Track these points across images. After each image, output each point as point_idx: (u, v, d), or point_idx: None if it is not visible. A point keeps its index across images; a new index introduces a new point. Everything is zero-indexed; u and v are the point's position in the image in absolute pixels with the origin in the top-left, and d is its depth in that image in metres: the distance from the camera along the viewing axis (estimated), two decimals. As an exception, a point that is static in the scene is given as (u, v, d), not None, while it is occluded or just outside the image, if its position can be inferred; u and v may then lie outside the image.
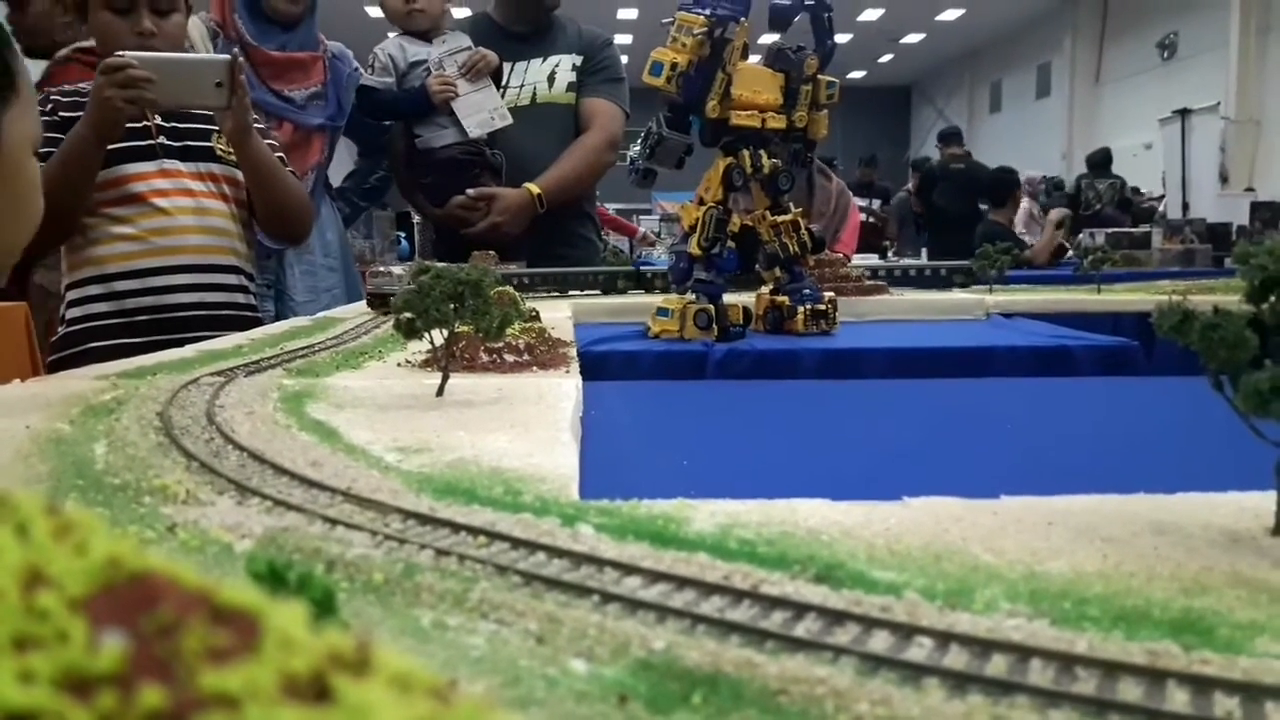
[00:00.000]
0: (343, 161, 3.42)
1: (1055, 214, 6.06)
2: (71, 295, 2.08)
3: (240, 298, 2.15)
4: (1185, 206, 9.05)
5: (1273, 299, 0.58)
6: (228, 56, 1.94)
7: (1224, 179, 10.07)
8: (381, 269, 2.17)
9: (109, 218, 2.01)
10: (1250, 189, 9.44)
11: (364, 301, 2.18)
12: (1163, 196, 9.75)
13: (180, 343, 1.62)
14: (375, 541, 0.56)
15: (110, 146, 2.00)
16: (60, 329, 2.09)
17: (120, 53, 1.86)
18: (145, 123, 2.05)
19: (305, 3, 2.62)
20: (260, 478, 0.70)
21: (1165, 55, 14.15)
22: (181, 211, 2.04)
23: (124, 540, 0.22)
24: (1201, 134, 9.84)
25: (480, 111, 2.84)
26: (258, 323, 2.16)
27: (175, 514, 0.63)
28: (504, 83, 2.97)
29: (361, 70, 2.90)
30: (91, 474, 0.72)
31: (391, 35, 2.97)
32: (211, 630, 0.19)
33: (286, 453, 0.76)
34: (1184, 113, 9.97)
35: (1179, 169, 9.72)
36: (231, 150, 2.07)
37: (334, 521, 0.60)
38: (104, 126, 1.86)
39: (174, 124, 2.08)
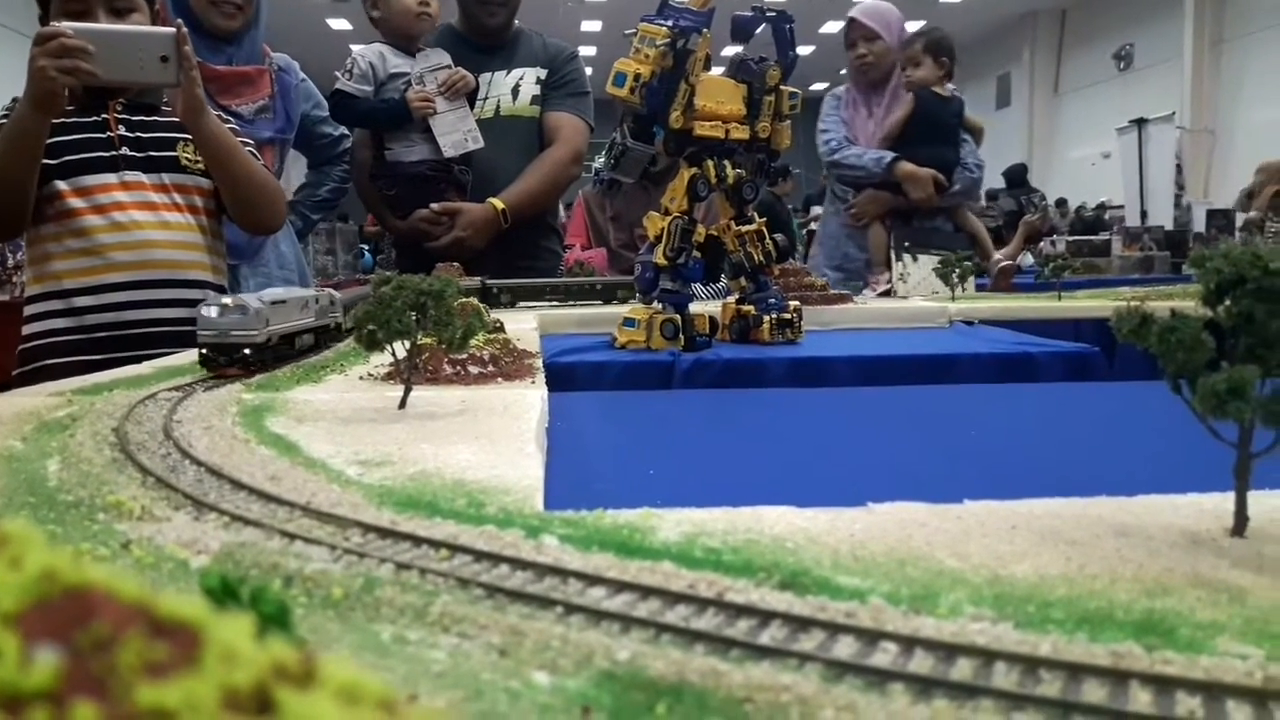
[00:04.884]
0: (298, 174, 3.38)
1: (1027, 225, 6.11)
2: (29, 310, 2.04)
3: None
4: (1144, 214, 9.19)
5: (1228, 302, 0.59)
6: (173, 29, 1.83)
7: (1180, 187, 10.23)
8: (226, 301, 1.26)
9: (68, 231, 1.97)
10: (1194, 198, 9.61)
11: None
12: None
13: (142, 359, 1.59)
14: (334, 556, 0.56)
15: (71, 157, 1.96)
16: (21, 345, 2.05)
17: (54, 23, 1.80)
18: (109, 133, 2.01)
19: (242, 18, 2.58)
20: (218, 493, 0.69)
21: (1122, 66, 14.41)
22: (143, 225, 2.00)
23: (61, 553, 0.21)
24: (1158, 143, 10.00)
25: (455, 132, 2.85)
26: None
27: (130, 530, 0.61)
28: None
29: (308, 80, 2.87)
30: (44, 491, 0.71)
31: (356, 48, 2.95)
32: (150, 644, 0.18)
33: (245, 467, 0.75)
34: (1140, 122, 10.13)
35: (1137, 178, 9.88)
36: (199, 159, 2.03)
37: (292, 536, 0.59)
38: (40, 99, 1.79)
39: (138, 134, 2.04)
